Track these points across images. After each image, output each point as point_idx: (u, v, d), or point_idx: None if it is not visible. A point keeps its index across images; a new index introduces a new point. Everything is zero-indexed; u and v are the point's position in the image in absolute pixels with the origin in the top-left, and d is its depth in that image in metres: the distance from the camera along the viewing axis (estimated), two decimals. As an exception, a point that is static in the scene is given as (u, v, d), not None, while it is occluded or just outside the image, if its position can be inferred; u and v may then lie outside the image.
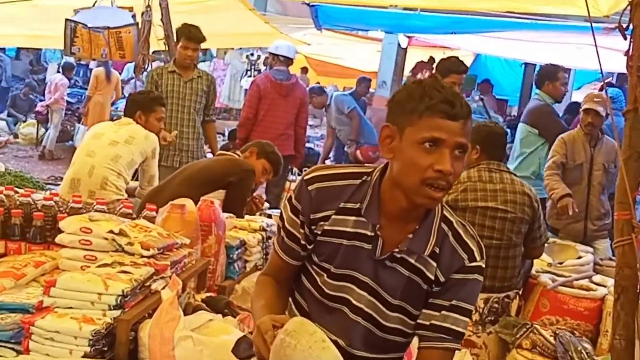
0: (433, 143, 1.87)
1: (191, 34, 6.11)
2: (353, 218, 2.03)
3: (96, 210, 3.37)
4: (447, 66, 5.84)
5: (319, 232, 2.07)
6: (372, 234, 2.02)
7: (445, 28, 8.90)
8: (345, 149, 10.29)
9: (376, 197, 2.01)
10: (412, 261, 2.02)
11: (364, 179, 2.05)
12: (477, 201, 4.19)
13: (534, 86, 7.01)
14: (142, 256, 2.91)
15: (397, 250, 2.01)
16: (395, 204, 1.98)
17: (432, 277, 2.02)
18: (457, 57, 6.12)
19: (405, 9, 8.63)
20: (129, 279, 2.68)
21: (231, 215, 4.11)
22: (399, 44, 10.56)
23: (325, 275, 2.10)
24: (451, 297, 2.03)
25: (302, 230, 2.09)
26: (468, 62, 13.26)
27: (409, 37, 10.28)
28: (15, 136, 14.27)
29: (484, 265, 2.06)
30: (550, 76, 6.33)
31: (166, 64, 6.63)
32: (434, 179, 1.88)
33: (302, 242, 2.11)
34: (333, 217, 2.04)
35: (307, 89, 8.80)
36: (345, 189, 2.05)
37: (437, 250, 2.01)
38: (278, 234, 2.19)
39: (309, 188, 2.06)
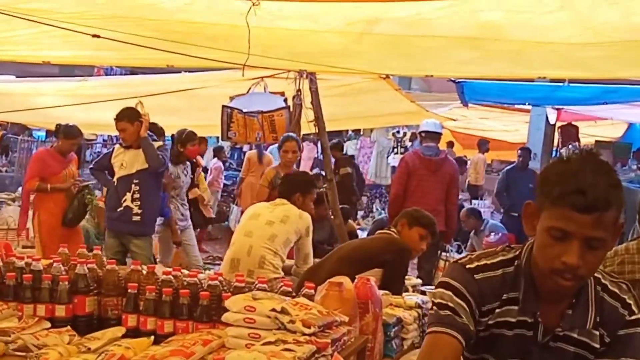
0: (561, 233, 1.81)
1: None
2: (516, 307, 1.99)
3: (258, 289, 3.47)
4: None
5: (481, 328, 2.02)
6: (532, 320, 1.98)
7: (596, 99, 8.71)
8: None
9: (530, 284, 1.97)
10: (576, 335, 1.98)
11: (516, 263, 2.01)
12: (635, 273, 4.00)
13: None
14: (304, 334, 2.96)
15: (559, 329, 1.98)
16: (549, 284, 1.92)
17: (598, 345, 1.98)
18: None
19: (552, 80, 8.52)
20: (293, 356, 2.72)
21: (386, 292, 4.12)
22: (546, 118, 10.38)
23: None
24: (619, 355, 1.96)
25: (470, 318, 2.00)
26: (621, 129, 12.89)
27: (557, 109, 10.08)
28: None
29: None
30: None
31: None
32: (560, 271, 1.83)
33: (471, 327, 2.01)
34: (497, 310, 2.00)
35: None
36: (504, 278, 2.00)
37: (598, 319, 1.97)
38: (439, 323, 2.00)
39: (476, 277, 2.00)
